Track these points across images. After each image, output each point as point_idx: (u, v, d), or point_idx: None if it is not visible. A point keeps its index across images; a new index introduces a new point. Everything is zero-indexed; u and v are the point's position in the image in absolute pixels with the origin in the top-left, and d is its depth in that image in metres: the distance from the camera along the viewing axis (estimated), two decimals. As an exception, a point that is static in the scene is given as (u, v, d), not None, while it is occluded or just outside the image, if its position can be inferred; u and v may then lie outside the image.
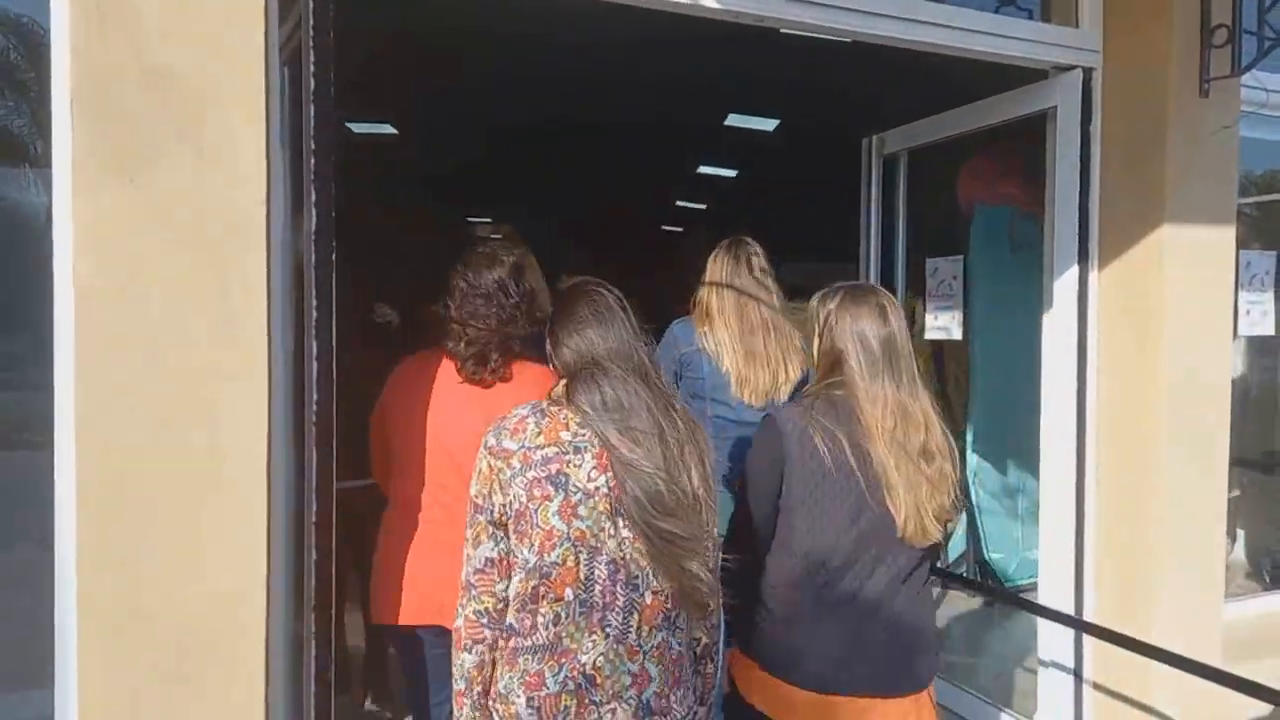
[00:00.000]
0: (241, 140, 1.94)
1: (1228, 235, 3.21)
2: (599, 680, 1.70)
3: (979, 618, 4.79)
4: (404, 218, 9.90)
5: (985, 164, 4.71)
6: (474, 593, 1.77)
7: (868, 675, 1.96)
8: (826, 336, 2.07)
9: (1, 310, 2.17)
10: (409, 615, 2.34)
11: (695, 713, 1.85)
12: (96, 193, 1.84)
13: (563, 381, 1.83)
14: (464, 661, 1.78)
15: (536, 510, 1.72)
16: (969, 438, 4.83)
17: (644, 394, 1.76)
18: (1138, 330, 3.15)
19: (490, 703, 1.78)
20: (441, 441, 2.34)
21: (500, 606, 1.77)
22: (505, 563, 1.77)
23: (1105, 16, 3.27)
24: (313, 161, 2.02)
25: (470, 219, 13.08)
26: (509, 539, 1.76)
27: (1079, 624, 3.11)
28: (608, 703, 1.70)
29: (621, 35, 4.26)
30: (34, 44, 1.95)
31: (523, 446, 1.75)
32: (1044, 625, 3.31)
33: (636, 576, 1.73)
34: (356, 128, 7.88)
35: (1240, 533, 4.28)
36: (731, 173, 9.98)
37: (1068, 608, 3.21)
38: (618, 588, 1.72)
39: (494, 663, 1.78)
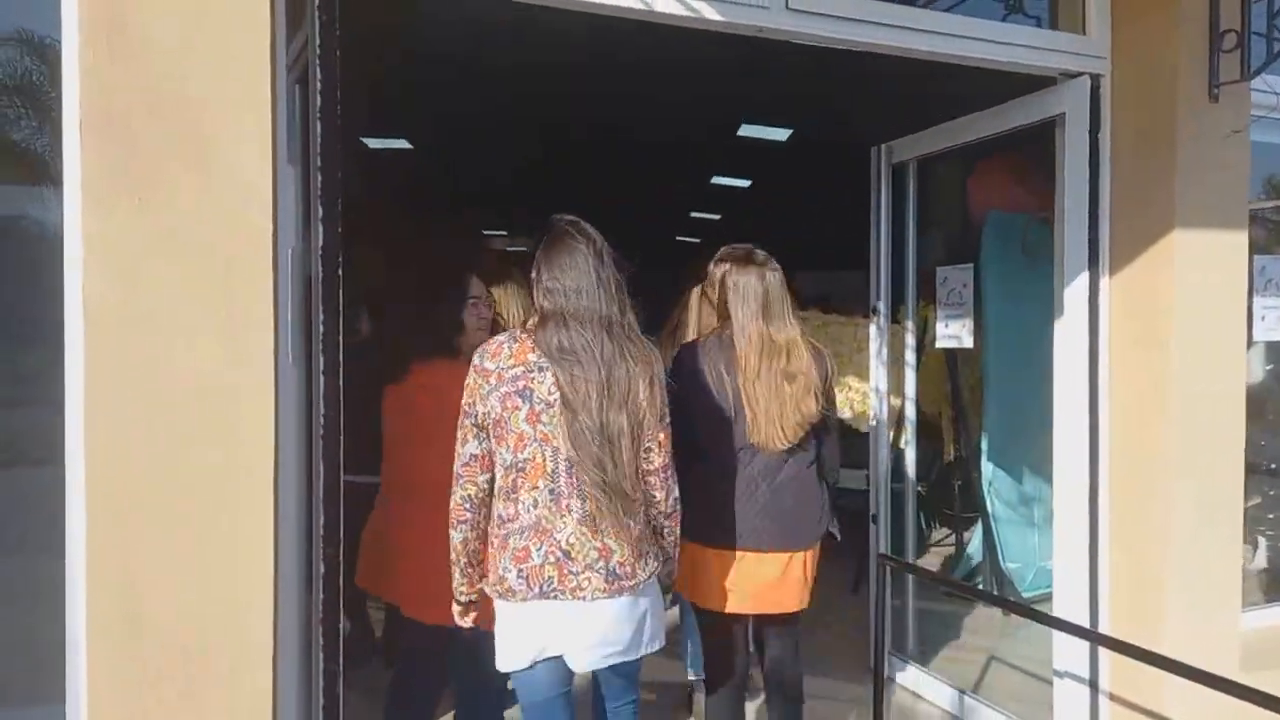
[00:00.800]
0: (248, 159, 1.97)
1: (1240, 240, 3.18)
2: (573, 554, 2.12)
3: (995, 628, 4.75)
4: (420, 230, 9.99)
5: (995, 171, 4.69)
6: (461, 481, 2.19)
7: (753, 534, 2.62)
8: (720, 290, 2.75)
9: (19, 326, 2.21)
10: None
11: (656, 574, 2.28)
12: (106, 211, 1.88)
13: (535, 316, 2.22)
14: (453, 538, 2.21)
15: (509, 417, 2.13)
16: (984, 446, 4.80)
17: (599, 340, 2.14)
18: (1149, 337, 3.13)
19: (490, 587, 2.20)
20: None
21: (481, 495, 2.20)
22: (486, 459, 2.19)
23: (1113, 22, 3.25)
24: (319, 179, 2.06)
25: (486, 231, 13.20)
26: (490, 440, 2.17)
27: (1092, 636, 3.08)
28: (583, 572, 2.12)
29: (633, 46, 4.29)
30: (54, 65, 1.98)
31: (498, 367, 2.16)
32: (1059, 636, 3.28)
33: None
34: (372, 143, 7.95)
35: (1261, 540, 4.23)
36: (745, 183, 9.98)
37: (1082, 619, 3.18)
38: (575, 479, 2.12)
39: (479, 538, 2.22)
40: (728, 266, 2.74)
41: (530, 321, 2.23)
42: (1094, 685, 3.22)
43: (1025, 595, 4.69)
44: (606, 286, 2.17)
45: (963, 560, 5.34)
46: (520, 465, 2.13)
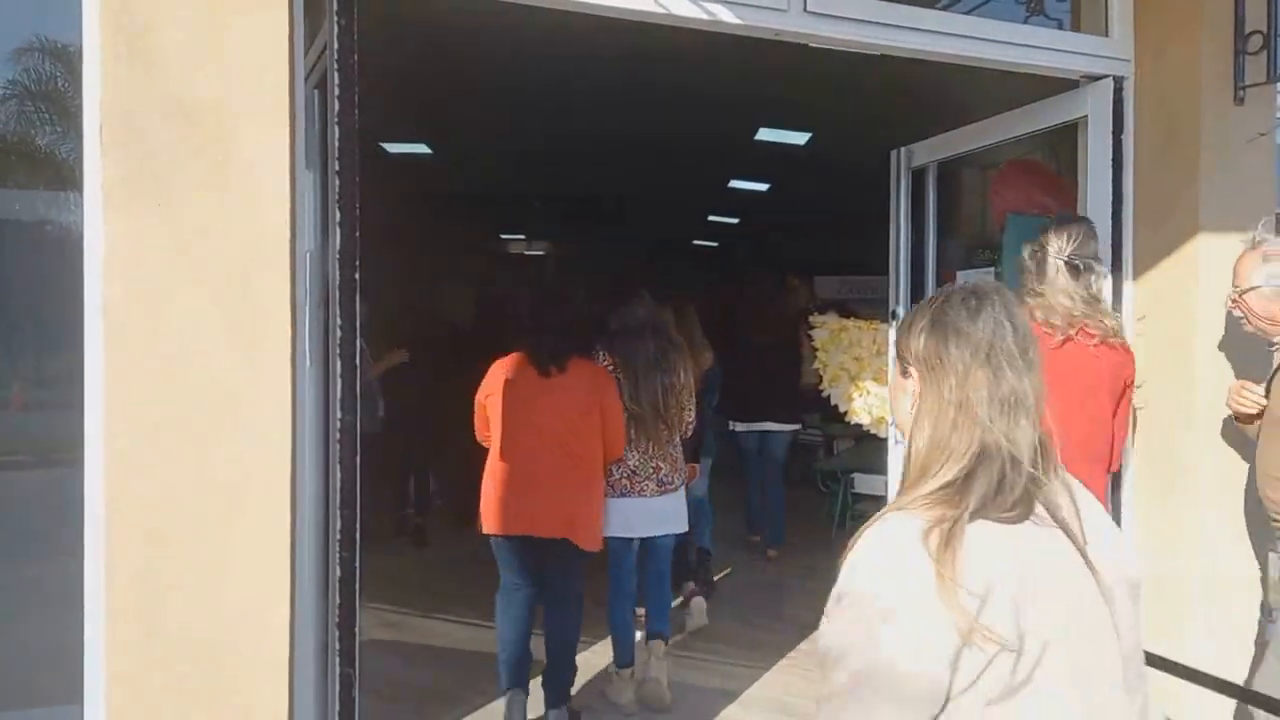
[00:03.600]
0: (266, 164, 1.98)
1: (1267, 245, 3.12)
2: (638, 471, 3.86)
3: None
4: (439, 235, 10.05)
5: (1017, 174, 4.64)
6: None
7: None
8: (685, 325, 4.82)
9: (44, 330, 2.23)
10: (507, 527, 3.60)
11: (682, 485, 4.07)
12: (125, 216, 1.89)
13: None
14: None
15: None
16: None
17: (654, 342, 3.88)
18: (1173, 343, 3.09)
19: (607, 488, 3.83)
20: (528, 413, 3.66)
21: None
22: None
23: (1136, 25, 3.21)
24: (337, 183, 2.07)
25: (504, 235, 13.24)
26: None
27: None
28: (644, 481, 3.86)
29: (651, 50, 4.29)
30: (76, 72, 2.00)
31: (610, 368, 3.79)
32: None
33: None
34: (392, 148, 7.97)
35: (1288, 550, 4.15)
36: (764, 186, 9.94)
37: (1105, 626, 3.14)
38: (644, 429, 3.80)
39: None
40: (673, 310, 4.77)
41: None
42: (1116, 695, 3.17)
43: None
44: (656, 315, 4.00)
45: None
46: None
